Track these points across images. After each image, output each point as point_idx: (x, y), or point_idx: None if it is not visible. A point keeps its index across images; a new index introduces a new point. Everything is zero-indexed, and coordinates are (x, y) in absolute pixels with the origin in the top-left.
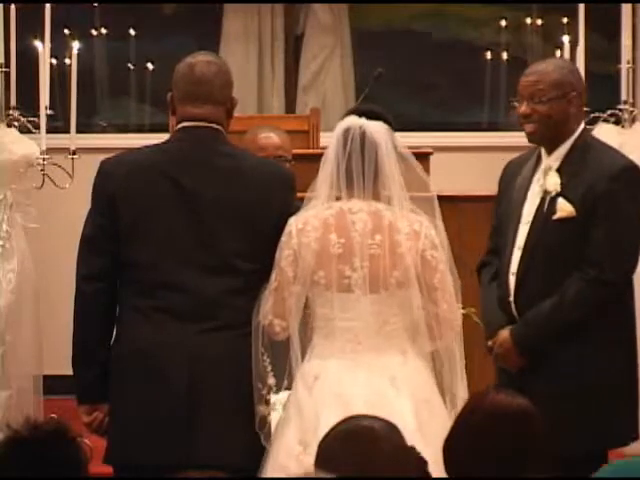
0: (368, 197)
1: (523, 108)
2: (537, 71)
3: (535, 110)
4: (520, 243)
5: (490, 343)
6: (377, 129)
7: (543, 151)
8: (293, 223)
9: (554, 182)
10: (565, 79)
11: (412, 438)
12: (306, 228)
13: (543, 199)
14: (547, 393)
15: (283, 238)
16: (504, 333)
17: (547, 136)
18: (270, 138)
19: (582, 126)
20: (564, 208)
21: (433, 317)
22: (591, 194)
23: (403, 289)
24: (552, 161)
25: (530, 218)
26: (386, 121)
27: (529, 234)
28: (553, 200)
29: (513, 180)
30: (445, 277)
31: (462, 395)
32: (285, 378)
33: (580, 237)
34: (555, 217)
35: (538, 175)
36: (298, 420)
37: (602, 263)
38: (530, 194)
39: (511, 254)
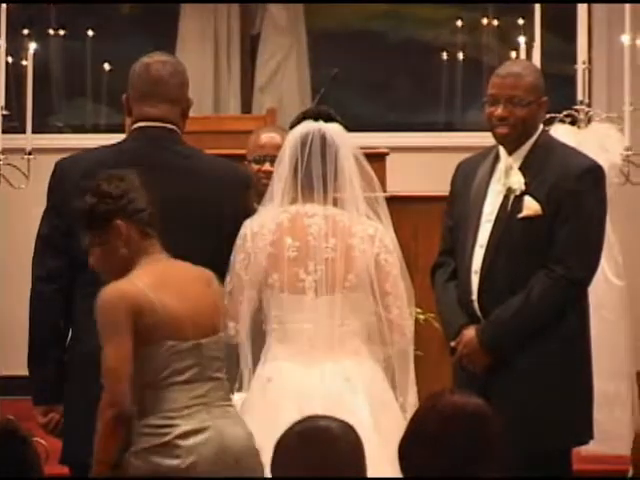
0: (327, 201)
1: (500, 111)
2: (514, 74)
3: (512, 113)
4: (482, 241)
5: (454, 344)
6: (336, 132)
7: (502, 151)
8: (248, 226)
9: (518, 180)
10: (539, 83)
11: (369, 437)
12: (261, 231)
13: (506, 197)
14: (509, 392)
15: (238, 241)
16: (469, 333)
17: (517, 138)
18: (272, 138)
19: (541, 127)
20: (531, 206)
21: (385, 322)
22: (556, 193)
23: (357, 292)
24: (513, 160)
25: (492, 216)
26: (339, 123)
27: (492, 232)
28: (518, 198)
29: (469, 180)
30: (397, 282)
31: (412, 401)
32: (237, 381)
33: (545, 235)
34: (521, 215)
35: (498, 174)
36: (251, 423)
37: (569, 261)
38: (490, 193)
39: (472, 253)
